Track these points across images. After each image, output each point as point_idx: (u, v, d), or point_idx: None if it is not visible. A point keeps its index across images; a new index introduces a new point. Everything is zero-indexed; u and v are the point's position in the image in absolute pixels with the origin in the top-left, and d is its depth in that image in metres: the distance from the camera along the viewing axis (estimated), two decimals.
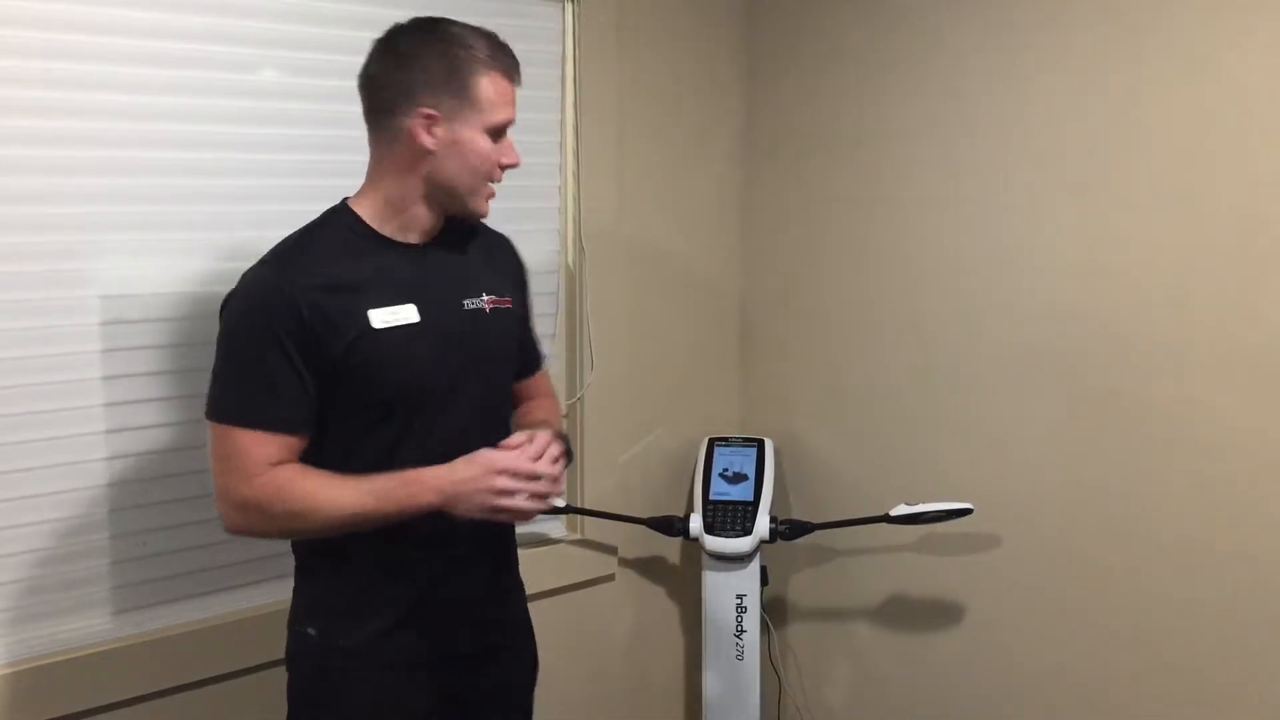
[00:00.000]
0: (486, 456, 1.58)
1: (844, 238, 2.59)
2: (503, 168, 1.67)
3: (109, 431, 1.92)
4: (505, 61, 1.64)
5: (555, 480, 1.61)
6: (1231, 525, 2.02)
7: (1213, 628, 2.06)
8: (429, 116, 1.60)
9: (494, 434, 1.65)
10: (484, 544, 1.74)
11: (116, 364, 1.91)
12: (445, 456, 1.60)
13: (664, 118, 2.63)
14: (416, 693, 1.69)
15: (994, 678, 2.39)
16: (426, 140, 1.61)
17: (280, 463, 1.57)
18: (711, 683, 2.54)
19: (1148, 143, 2.07)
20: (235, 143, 2.00)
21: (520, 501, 1.57)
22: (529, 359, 1.91)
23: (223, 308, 1.63)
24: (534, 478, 1.58)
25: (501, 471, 1.56)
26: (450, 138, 1.61)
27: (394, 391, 1.62)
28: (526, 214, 2.43)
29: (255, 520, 1.58)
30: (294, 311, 1.55)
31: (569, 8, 2.42)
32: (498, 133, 1.64)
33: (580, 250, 2.48)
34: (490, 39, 1.64)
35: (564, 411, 1.98)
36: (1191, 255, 2.03)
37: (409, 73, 1.60)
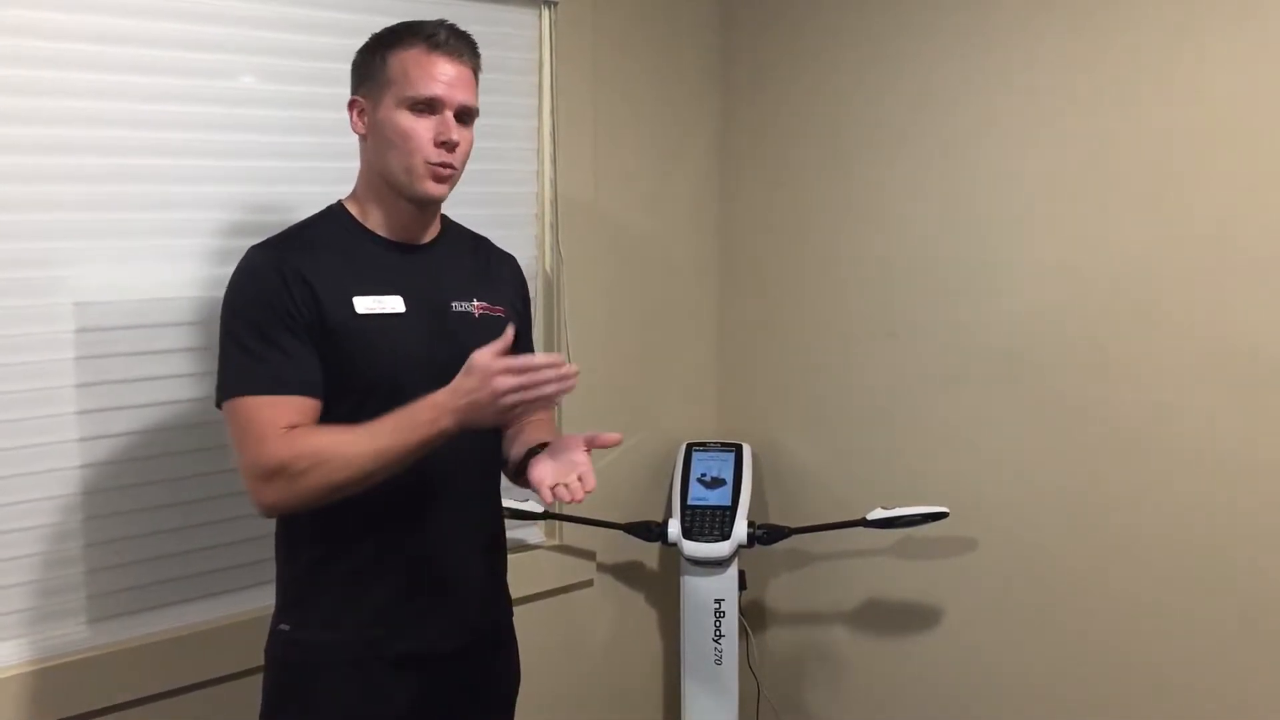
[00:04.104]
0: (478, 362, 1.48)
1: (821, 244, 2.60)
2: (440, 145, 1.59)
3: (83, 439, 1.91)
4: (434, 38, 1.60)
5: (563, 376, 1.49)
6: (1201, 528, 2.04)
7: (1183, 628, 2.08)
8: (354, 104, 1.66)
9: (472, 438, 1.63)
10: (470, 543, 1.72)
11: (90, 371, 1.90)
12: None
13: (641, 124, 2.63)
14: (388, 693, 1.65)
15: (970, 679, 2.40)
16: (357, 127, 1.65)
17: (295, 425, 1.52)
18: (690, 688, 2.54)
19: (1119, 150, 2.10)
20: (210, 150, 1.99)
21: (529, 394, 1.47)
22: None
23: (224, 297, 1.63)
24: (531, 370, 1.47)
25: (499, 373, 1.46)
26: (373, 120, 1.62)
27: (371, 378, 1.59)
28: (503, 220, 2.43)
29: (283, 487, 1.50)
30: (284, 287, 1.55)
31: (545, 14, 2.43)
32: (425, 109, 1.59)
33: (557, 256, 2.49)
34: (428, 23, 1.62)
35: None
36: (1162, 262, 2.06)
37: (352, 74, 1.68)
